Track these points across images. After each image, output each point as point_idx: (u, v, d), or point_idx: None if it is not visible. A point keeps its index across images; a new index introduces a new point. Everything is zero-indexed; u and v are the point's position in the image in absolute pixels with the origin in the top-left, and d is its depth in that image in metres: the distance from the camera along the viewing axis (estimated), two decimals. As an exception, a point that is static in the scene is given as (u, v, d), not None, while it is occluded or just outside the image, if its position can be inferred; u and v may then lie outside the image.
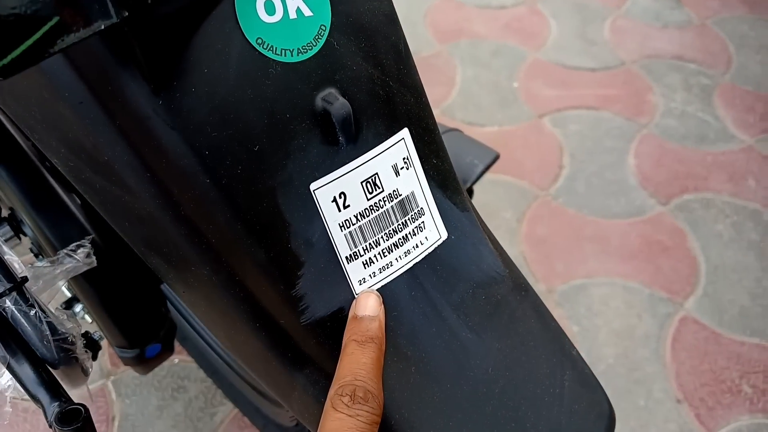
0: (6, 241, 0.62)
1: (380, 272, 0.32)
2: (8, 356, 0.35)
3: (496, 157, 0.66)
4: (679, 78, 1.52)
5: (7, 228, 0.63)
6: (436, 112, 1.44)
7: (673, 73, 1.53)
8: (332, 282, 0.31)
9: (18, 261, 0.50)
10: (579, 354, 0.38)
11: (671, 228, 1.23)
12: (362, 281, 0.31)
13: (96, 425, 1.01)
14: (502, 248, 0.39)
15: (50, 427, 0.34)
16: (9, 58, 0.21)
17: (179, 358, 1.05)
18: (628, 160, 1.35)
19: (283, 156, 0.28)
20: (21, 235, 0.64)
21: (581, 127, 1.42)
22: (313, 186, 0.29)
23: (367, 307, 0.31)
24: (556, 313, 1.11)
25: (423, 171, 0.33)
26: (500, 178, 1.32)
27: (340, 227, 0.30)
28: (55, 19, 0.21)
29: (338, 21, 0.29)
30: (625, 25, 1.66)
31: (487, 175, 1.33)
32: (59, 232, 0.54)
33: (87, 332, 0.48)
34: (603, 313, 1.12)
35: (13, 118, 0.31)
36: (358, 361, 0.30)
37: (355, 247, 0.31)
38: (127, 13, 0.23)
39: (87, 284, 0.56)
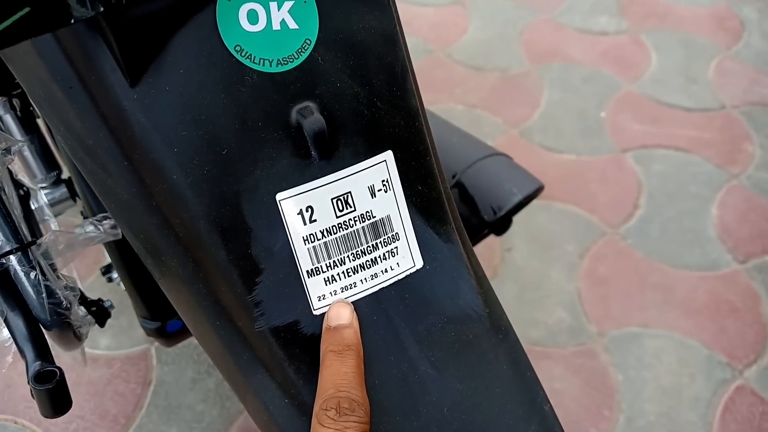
0: (60, 202, 0.66)
1: (342, 291, 0.31)
2: (7, 309, 0.38)
3: (539, 189, 0.64)
4: (785, 130, 1.41)
5: (65, 190, 0.68)
6: (513, 132, 1.41)
7: (778, 124, 1.42)
8: (290, 294, 0.31)
9: (54, 221, 0.53)
10: (552, 410, 0.36)
11: (745, 289, 1.14)
12: (322, 297, 0.31)
13: (133, 387, 1.06)
14: (489, 286, 0.37)
15: (28, 383, 0.36)
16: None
17: (219, 336, 1.08)
18: (710, 210, 1.27)
19: (251, 163, 0.29)
20: (77, 198, 0.69)
21: (666, 168, 1.35)
22: (279, 196, 0.29)
23: (340, 316, 0.31)
24: (603, 358, 1.06)
25: (404, 196, 0.32)
26: (569, 209, 1.27)
27: (304, 240, 0.30)
28: (26, 10, 0.22)
29: (326, 36, 0.29)
30: (732, 66, 1.56)
31: (556, 204, 1.28)
32: (99, 200, 0.57)
33: (99, 300, 0.51)
34: (653, 367, 1.05)
35: (27, 94, 0.33)
36: (338, 372, 0.30)
37: (318, 262, 0.31)
38: (102, 9, 0.24)
39: (117, 253, 0.59)
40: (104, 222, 0.49)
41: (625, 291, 1.15)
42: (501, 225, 0.64)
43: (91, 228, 0.48)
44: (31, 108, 0.66)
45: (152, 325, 0.64)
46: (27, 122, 0.65)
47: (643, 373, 1.04)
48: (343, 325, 0.31)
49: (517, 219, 1.28)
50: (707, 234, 1.23)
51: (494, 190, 0.61)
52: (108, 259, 0.73)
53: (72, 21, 0.23)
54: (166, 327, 0.64)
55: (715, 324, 1.10)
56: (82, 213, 0.70)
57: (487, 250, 1.21)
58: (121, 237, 0.49)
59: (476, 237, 0.64)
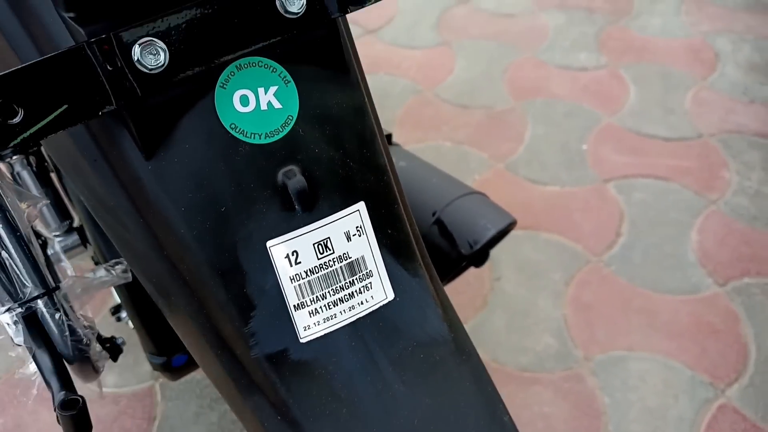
0: (72, 248, 0.72)
1: (324, 322, 0.37)
2: (34, 347, 0.44)
3: (512, 224, 0.69)
4: (759, 156, 1.47)
5: (77, 237, 0.74)
6: (499, 167, 1.48)
7: (752, 151, 1.48)
8: (280, 325, 0.36)
9: (71, 267, 0.59)
10: (511, 421, 0.41)
11: (725, 311, 1.19)
12: (307, 327, 0.37)
13: (138, 422, 1.10)
14: (455, 314, 0.43)
15: (54, 410, 0.42)
16: (28, 132, 0.28)
17: (221, 371, 1.13)
18: (690, 236, 1.33)
19: (246, 217, 0.35)
20: (87, 245, 0.74)
21: (646, 197, 1.41)
22: (269, 243, 0.35)
23: None
24: (590, 382, 1.11)
25: (376, 239, 0.38)
26: (554, 239, 1.33)
27: (291, 279, 0.36)
28: (64, 107, 0.29)
29: (305, 113, 0.35)
30: (708, 96, 1.63)
31: (541, 234, 1.34)
32: (110, 247, 0.63)
33: (112, 337, 0.56)
34: (638, 389, 1.10)
35: (55, 162, 0.39)
36: None
37: (303, 298, 0.36)
38: (123, 102, 0.30)
39: (127, 294, 0.64)
40: (116, 267, 0.55)
41: (610, 316, 1.20)
42: (478, 258, 0.69)
43: (103, 273, 0.54)
44: (46, 164, 0.72)
45: (159, 360, 0.69)
46: (42, 176, 0.72)
47: (629, 395, 1.09)
48: None
49: (505, 249, 1.34)
50: (688, 259, 1.28)
51: (470, 227, 0.67)
52: (116, 301, 0.78)
53: (100, 114, 0.29)
54: (171, 361, 0.69)
55: (697, 345, 1.14)
56: (92, 258, 0.76)
57: (477, 280, 1.26)
58: (131, 280, 0.55)
59: (456, 269, 0.70)
